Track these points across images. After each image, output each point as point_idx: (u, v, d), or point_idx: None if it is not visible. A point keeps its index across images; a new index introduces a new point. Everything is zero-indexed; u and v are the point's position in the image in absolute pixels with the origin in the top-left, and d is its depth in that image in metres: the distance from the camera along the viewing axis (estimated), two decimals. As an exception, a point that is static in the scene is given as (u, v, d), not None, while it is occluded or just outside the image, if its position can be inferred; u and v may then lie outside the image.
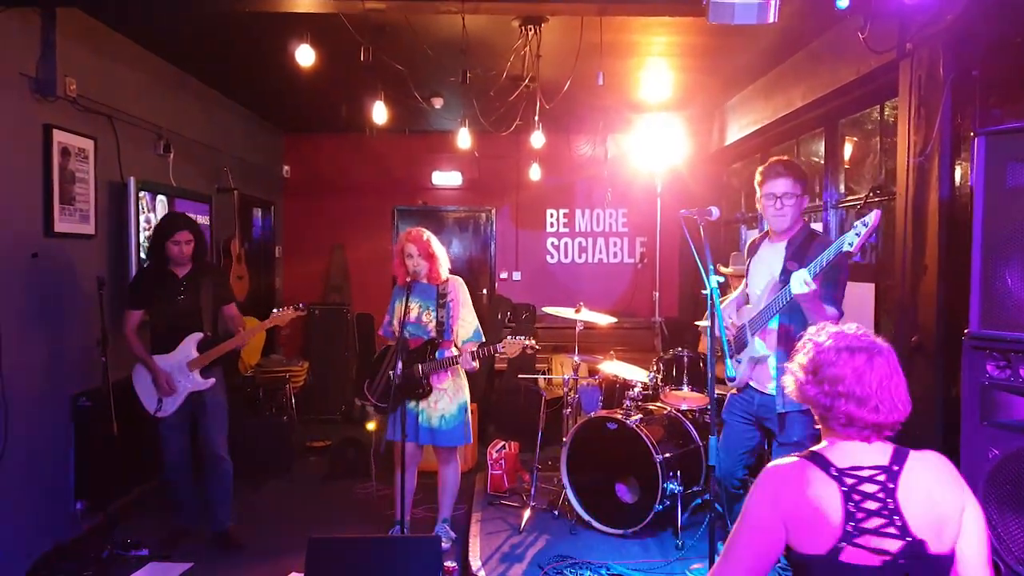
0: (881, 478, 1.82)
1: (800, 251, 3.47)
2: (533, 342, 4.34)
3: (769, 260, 3.62)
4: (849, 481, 1.82)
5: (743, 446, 3.77)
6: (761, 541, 1.86)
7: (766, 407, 3.60)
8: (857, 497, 1.80)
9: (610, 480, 4.75)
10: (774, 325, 3.53)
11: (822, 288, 3.20)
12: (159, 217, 5.51)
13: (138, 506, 5.24)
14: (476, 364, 4.36)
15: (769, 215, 3.61)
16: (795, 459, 1.90)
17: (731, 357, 3.74)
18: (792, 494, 1.84)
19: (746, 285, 3.81)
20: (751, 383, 3.68)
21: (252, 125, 8.07)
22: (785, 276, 3.38)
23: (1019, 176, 2.69)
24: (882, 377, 1.83)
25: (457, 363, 4.38)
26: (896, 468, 1.82)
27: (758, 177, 3.69)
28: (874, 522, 1.78)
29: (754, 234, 4.23)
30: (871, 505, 1.79)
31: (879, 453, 1.85)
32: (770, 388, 3.60)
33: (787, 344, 3.50)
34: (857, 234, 2.97)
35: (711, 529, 3.36)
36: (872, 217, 2.95)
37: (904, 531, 1.76)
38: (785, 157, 3.68)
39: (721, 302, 3.70)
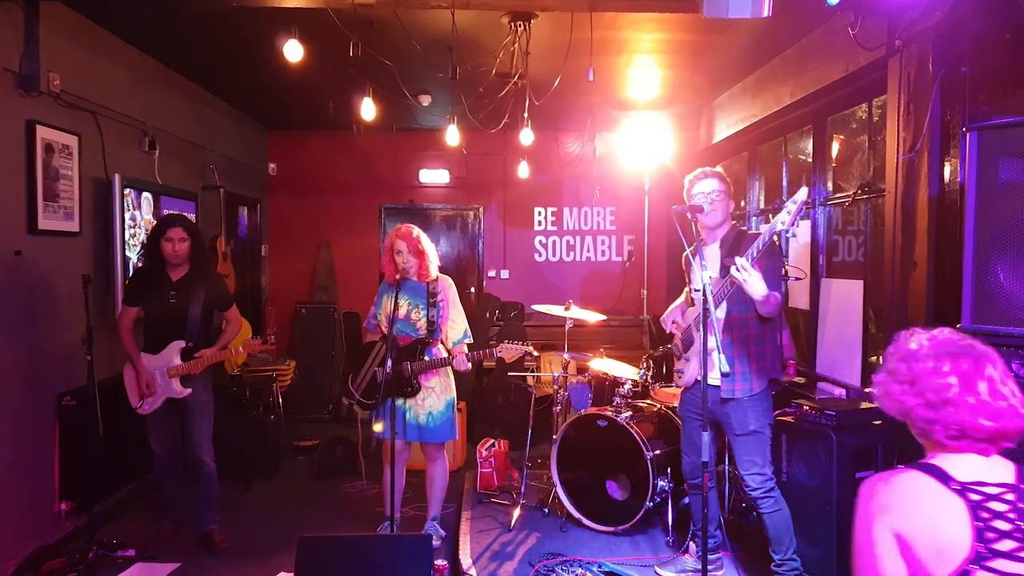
0: (1010, 497, 1.65)
1: (733, 248, 3.71)
2: (531, 348, 4.34)
3: (709, 261, 3.79)
4: (975, 497, 1.65)
5: (702, 441, 3.81)
6: (886, 563, 1.68)
7: (714, 400, 3.73)
8: (986, 515, 1.63)
9: (600, 477, 4.74)
10: (720, 315, 3.73)
11: (762, 275, 3.42)
12: (145, 215, 5.48)
13: (124, 506, 5.19)
14: (470, 366, 4.36)
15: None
16: (904, 469, 1.73)
17: (679, 358, 4.06)
18: (909, 507, 1.68)
19: (689, 290, 4.06)
20: (699, 378, 3.73)
21: (238, 122, 8.01)
22: (724, 271, 3.63)
23: (1011, 171, 2.70)
24: (996, 381, 1.68)
25: (449, 364, 4.37)
26: None
27: (686, 184, 3.98)
28: (1006, 544, 1.61)
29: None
30: (1003, 525, 1.62)
31: (1003, 470, 1.70)
32: (715, 378, 3.71)
33: (732, 331, 3.73)
34: (788, 212, 3.25)
35: (703, 528, 3.37)
36: (801, 194, 3.24)
37: None
38: (708, 167, 4.00)
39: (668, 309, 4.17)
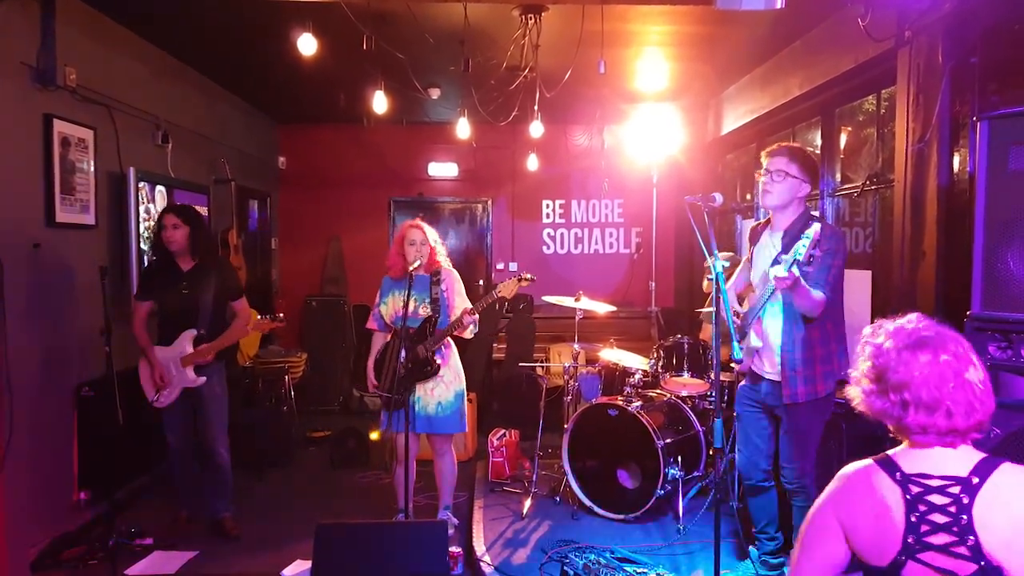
0: (955, 490, 1.61)
1: (792, 243, 3.32)
2: (527, 274, 4.31)
3: (769, 250, 3.61)
4: (915, 489, 1.64)
5: (760, 436, 3.76)
6: (822, 544, 1.73)
7: (773, 394, 3.60)
8: (922, 508, 1.62)
9: (611, 466, 4.79)
10: (775, 316, 3.52)
11: (813, 270, 3.14)
12: (158, 208, 5.53)
13: (142, 495, 5.26)
14: (476, 318, 4.26)
15: (760, 189, 3.60)
16: (867, 462, 1.75)
17: (738, 343, 3.68)
18: (853, 498, 1.71)
19: (749, 272, 3.80)
20: (754, 369, 3.70)
21: (248, 116, 8.06)
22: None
23: (1021, 160, 2.73)
24: (952, 375, 1.63)
25: (458, 326, 4.26)
26: (977, 481, 1.61)
27: (763, 156, 3.64)
28: (941, 538, 1.59)
29: (751, 223, 4.24)
30: (939, 519, 1.61)
31: (959, 462, 1.65)
32: (768, 373, 3.60)
33: (794, 332, 3.46)
34: (804, 246, 2.95)
35: (716, 514, 3.39)
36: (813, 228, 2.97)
37: (978, 553, 1.56)
38: (796, 144, 3.65)
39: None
